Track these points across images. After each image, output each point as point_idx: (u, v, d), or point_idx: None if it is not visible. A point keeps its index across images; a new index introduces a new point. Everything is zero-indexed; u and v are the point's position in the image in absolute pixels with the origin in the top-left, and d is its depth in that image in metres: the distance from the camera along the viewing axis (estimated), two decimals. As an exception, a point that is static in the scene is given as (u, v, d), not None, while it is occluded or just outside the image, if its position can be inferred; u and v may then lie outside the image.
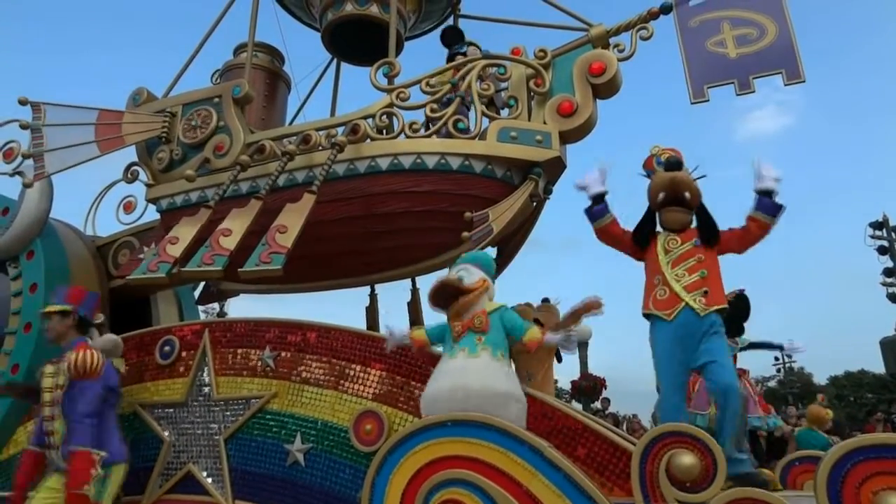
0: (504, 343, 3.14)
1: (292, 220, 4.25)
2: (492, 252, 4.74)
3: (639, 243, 3.42)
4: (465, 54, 5.11)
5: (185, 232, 4.57)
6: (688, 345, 3.10)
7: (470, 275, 3.27)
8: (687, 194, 3.32)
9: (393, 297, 5.84)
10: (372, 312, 5.88)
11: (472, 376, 2.97)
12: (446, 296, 3.21)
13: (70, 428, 3.37)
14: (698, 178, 3.41)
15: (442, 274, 5.07)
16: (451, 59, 5.24)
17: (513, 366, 3.39)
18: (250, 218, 4.39)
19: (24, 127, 5.06)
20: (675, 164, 3.37)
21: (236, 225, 4.38)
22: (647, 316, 3.28)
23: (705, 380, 3.27)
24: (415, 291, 5.81)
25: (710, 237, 3.26)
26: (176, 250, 4.41)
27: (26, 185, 4.95)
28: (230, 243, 4.28)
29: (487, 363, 3.03)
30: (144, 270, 4.41)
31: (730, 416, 3.02)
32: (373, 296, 5.87)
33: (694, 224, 3.38)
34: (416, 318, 5.72)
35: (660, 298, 3.19)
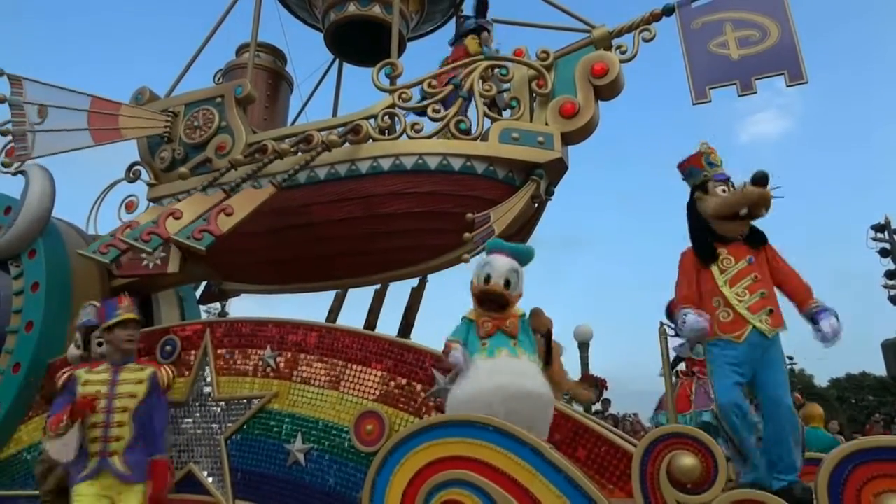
0: (534, 347, 3.16)
1: (241, 206, 4.25)
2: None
3: (707, 264, 3.19)
4: (488, 30, 5.10)
5: (144, 218, 4.59)
6: (754, 362, 3.01)
7: (518, 280, 3.22)
8: (764, 211, 3.15)
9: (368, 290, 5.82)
10: (339, 301, 5.91)
11: (524, 376, 2.96)
12: (494, 304, 3.17)
13: (146, 439, 3.39)
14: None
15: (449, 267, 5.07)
16: (474, 30, 5.21)
17: None
18: (204, 207, 4.37)
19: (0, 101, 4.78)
20: (763, 179, 3.07)
21: (189, 211, 4.36)
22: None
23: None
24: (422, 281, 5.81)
25: (761, 240, 3.15)
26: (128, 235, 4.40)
27: (4, 165, 4.82)
28: (174, 227, 4.25)
29: (531, 366, 3.04)
30: (95, 250, 4.40)
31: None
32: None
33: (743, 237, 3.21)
34: (413, 305, 5.72)
35: (724, 321, 3.06)
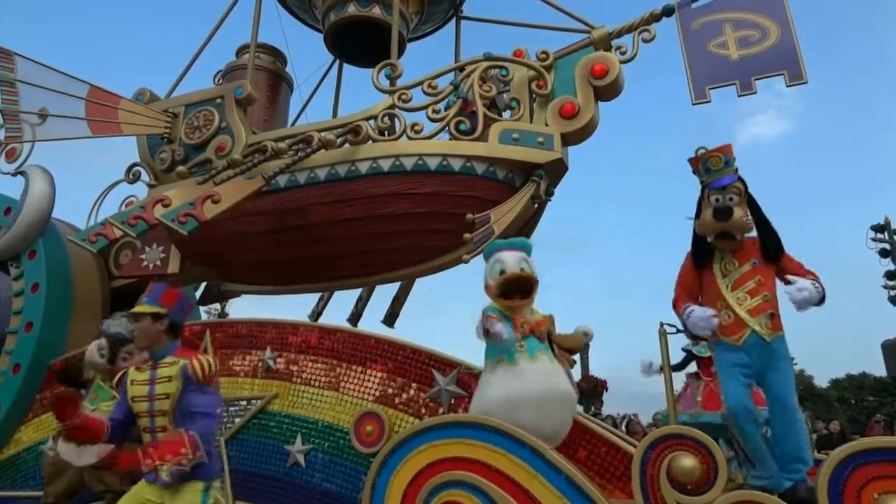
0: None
1: (229, 195, 4.27)
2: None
3: (699, 267, 3.27)
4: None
5: (135, 204, 4.61)
6: (755, 365, 3.03)
7: (532, 267, 3.22)
8: (738, 235, 3.18)
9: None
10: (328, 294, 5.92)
11: (565, 381, 3.01)
12: (520, 289, 3.15)
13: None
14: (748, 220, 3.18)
15: (436, 274, 5.10)
16: None
17: None
18: (193, 196, 4.36)
19: None
20: (723, 212, 3.13)
21: (178, 199, 4.35)
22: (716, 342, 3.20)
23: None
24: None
25: (775, 255, 3.14)
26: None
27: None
28: (160, 213, 4.21)
29: (558, 368, 3.07)
30: (84, 237, 4.42)
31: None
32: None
33: (752, 235, 3.23)
34: (401, 296, 5.71)
35: (724, 324, 3.09)
